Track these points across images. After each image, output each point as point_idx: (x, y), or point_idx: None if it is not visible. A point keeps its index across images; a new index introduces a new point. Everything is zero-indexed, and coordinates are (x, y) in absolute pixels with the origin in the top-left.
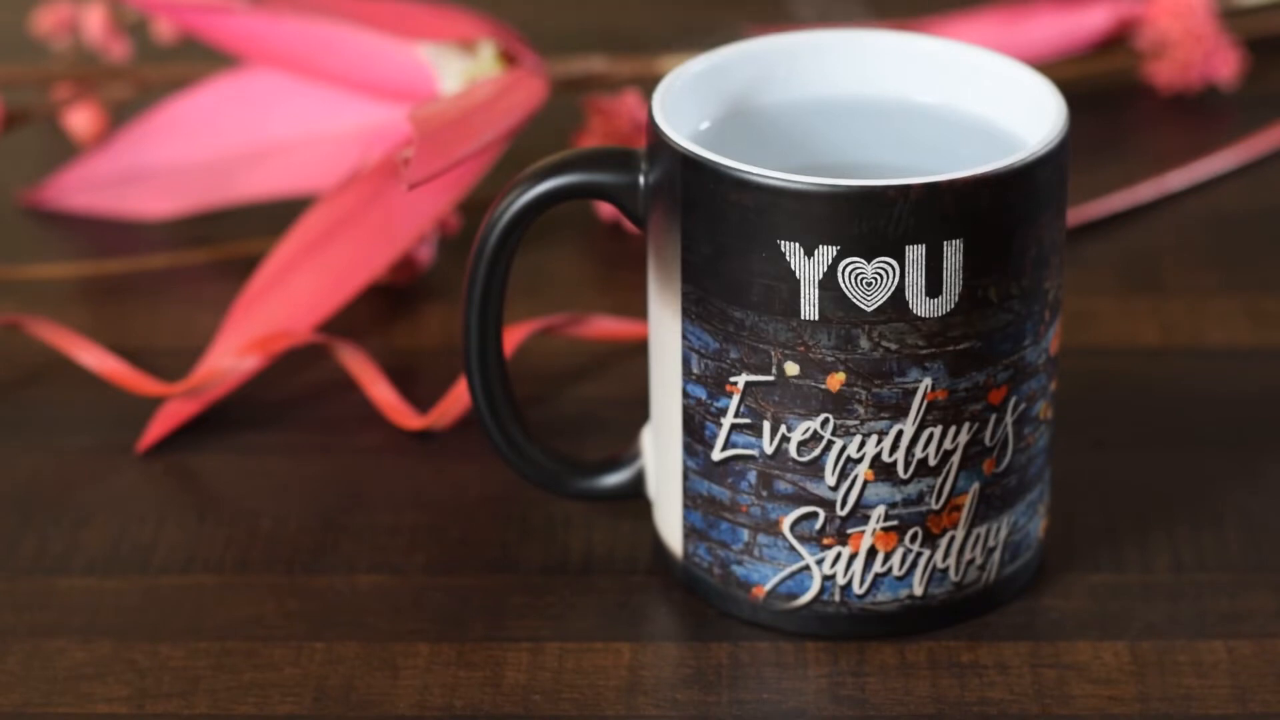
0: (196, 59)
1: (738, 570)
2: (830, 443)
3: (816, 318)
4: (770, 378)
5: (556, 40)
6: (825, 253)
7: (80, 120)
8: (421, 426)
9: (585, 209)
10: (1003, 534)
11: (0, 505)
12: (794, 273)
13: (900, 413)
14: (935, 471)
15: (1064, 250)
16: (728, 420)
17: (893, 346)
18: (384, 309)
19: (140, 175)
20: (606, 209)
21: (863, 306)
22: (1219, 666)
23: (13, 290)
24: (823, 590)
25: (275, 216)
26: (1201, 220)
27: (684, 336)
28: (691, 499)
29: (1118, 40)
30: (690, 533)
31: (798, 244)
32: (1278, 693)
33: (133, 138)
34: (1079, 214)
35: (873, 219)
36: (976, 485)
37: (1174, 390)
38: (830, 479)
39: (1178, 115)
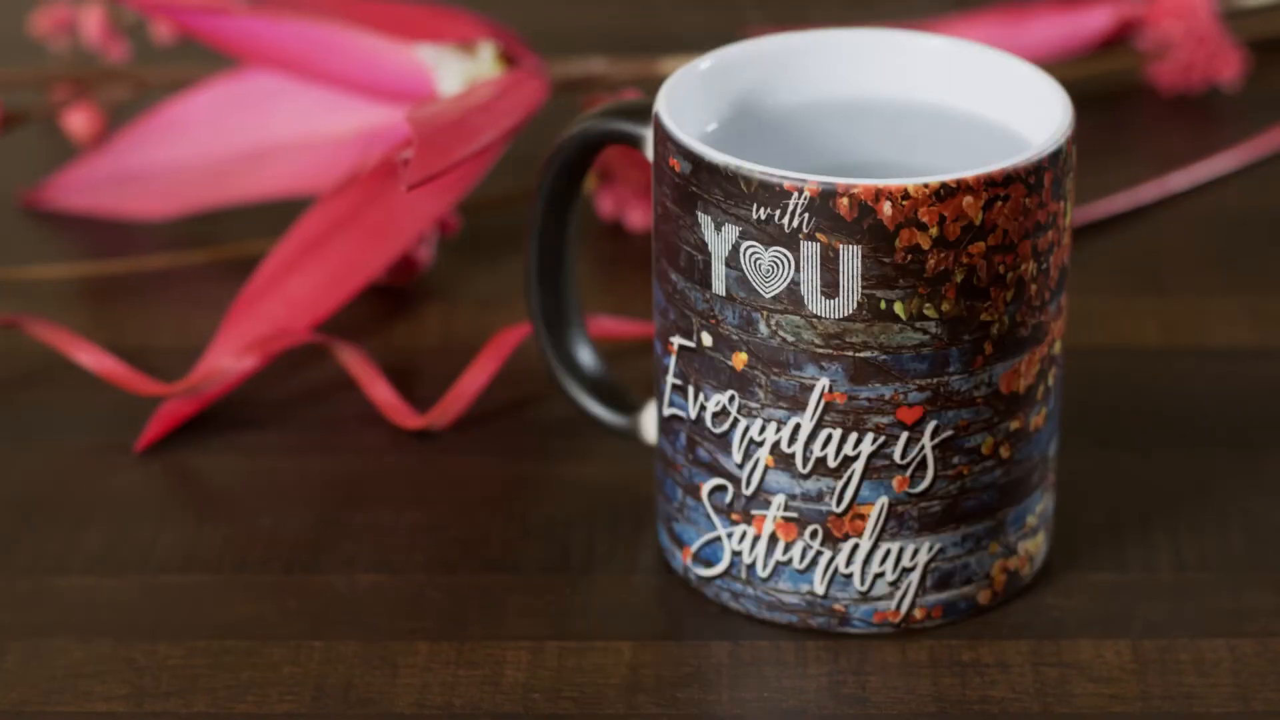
0: (195, 60)
1: (675, 526)
2: (736, 420)
3: (724, 294)
4: (693, 344)
5: (556, 40)
6: (730, 231)
7: (79, 121)
8: (421, 426)
9: (585, 209)
10: (922, 557)
11: (0, 505)
12: (707, 244)
13: (797, 405)
14: (835, 474)
15: (1049, 282)
16: (669, 379)
17: (789, 339)
18: (384, 309)
19: (139, 176)
20: (607, 209)
21: (761, 291)
22: (1221, 665)
23: (12, 290)
24: (732, 565)
25: (275, 216)
26: (1204, 221)
27: (653, 288)
28: (658, 449)
29: (1120, 41)
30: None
31: (710, 217)
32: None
33: (131, 139)
34: (1081, 214)
35: (769, 208)
36: (885, 499)
37: (1176, 390)
38: (736, 456)
39: (1180, 116)
